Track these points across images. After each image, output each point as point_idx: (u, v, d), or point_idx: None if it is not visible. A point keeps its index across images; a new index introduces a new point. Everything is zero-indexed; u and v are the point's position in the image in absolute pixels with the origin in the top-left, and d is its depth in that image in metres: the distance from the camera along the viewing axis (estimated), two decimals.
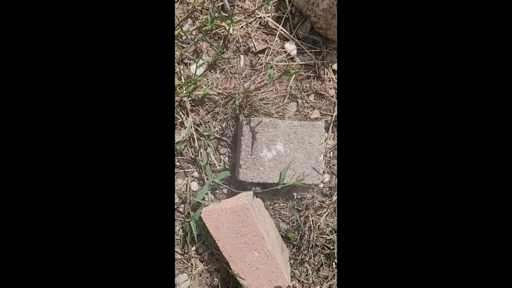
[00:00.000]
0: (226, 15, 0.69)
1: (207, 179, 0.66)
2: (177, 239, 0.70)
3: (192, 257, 0.70)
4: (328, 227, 0.72)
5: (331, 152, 0.74)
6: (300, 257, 0.73)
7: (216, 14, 0.66)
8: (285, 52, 0.72)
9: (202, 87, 0.67)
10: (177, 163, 0.69)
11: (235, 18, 0.70)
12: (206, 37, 0.69)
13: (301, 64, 0.73)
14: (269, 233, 0.63)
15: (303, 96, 0.73)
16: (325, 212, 0.72)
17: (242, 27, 0.71)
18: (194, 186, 0.69)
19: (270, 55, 0.72)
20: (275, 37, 0.72)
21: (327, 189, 0.72)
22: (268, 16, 0.71)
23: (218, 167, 0.69)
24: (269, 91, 0.71)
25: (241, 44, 0.71)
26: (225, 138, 0.69)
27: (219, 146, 0.70)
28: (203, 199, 0.68)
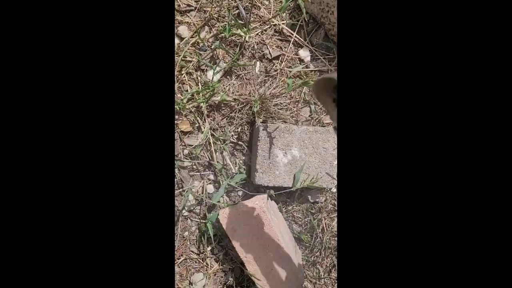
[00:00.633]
0: (242, 22, 0.71)
1: (223, 182, 0.68)
2: (193, 239, 0.72)
3: (207, 257, 0.72)
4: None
5: None
6: (312, 258, 0.74)
7: (233, 22, 0.68)
8: (299, 58, 0.74)
9: (219, 93, 0.70)
10: (194, 166, 0.71)
11: (251, 26, 0.72)
12: (223, 45, 0.71)
13: (314, 70, 0.74)
14: (283, 235, 0.65)
15: (317, 101, 0.74)
16: (337, 214, 0.74)
17: (257, 34, 0.73)
18: (210, 188, 0.71)
19: (285, 61, 0.73)
20: (289, 44, 0.74)
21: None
22: (283, 23, 0.73)
23: (234, 170, 0.71)
24: (284, 96, 0.72)
25: (256, 51, 0.73)
26: (241, 143, 0.72)
27: (234, 150, 0.72)
28: (219, 201, 0.70)
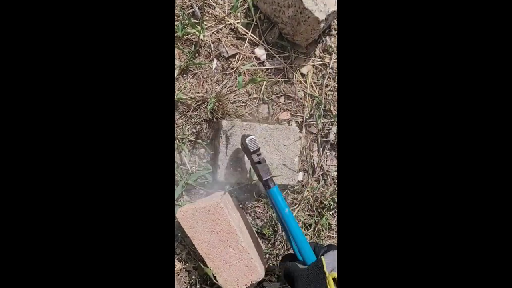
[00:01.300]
0: (197, 21, 0.71)
1: (180, 181, 0.68)
2: None
3: None
4: (299, 221, 0.76)
5: (304, 151, 0.78)
6: (275, 251, 0.76)
7: (187, 21, 0.69)
8: (255, 56, 0.76)
9: (176, 92, 0.69)
10: None
11: (205, 25, 0.72)
12: (178, 43, 0.71)
13: (270, 68, 0.76)
14: (243, 229, 0.66)
15: (274, 98, 0.76)
16: (297, 207, 0.76)
17: (213, 33, 0.74)
18: None
19: (241, 59, 0.75)
20: (245, 43, 0.75)
21: (299, 186, 0.77)
22: (237, 23, 0.74)
23: (193, 169, 0.72)
24: (242, 94, 0.74)
25: (213, 49, 0.73)
26: (200, 141, 0.72)
27: (193, 149, 0.73)
28: (177, 200, 0.70)
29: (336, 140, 0.78)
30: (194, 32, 0.71)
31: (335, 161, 0.80)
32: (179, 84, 0.71)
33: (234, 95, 0.73)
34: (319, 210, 0.77)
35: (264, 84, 0.74)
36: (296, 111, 0.78)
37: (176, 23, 0.71)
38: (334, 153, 0.80)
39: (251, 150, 0.60)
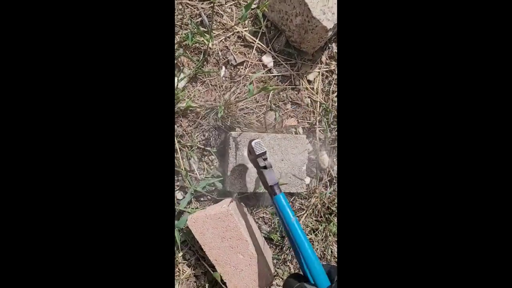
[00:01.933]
0: (205, 29, 0.72)
1: (189, 188, 0.69)
2: None
3: (179, 263, 0.73)
4: (307, 227, 0.77)
5: (313, 156, 0.79)
6: (282, 256, 0.77)
7: (196, 30, 0.69)
8: (263, 64, 0.77)
9: (185, 100, 0.70)
10: None
11: (214, 33, 0.73)
12: (187, 52, 0.72)
13: (277, 76, 0.77)
14: (252, 236, 0.67)
15: (281, 105, 0.77)
16: (304, 213, 0.77)
17: (221, 41, 0.75)
18: (180, 195, 0.72)
19: (249, 67, 0.76)
20: (252, 50, 0.76)
21: (307, 192, 0.77)
22: (245, 31, 0.75)
23: (201, 176, 0.72)
24: (249, 101, 0.75)
25: (221, 57, 0.74)
26: (208, 148, 0.73)
27: (202, 156, 0.73)
28: (186, 207, 0.71)
29: None
30: (203, 41, 0.71)
31: None
32: (188, 92, 0.72)
33: (242, 103, 0.74)
34: (326, 215, 0.78)
35: (272, 92, 0.75)
36: (303, 117, 0.79)
37: (185, 31, 0.72)
38: None
39: (257, 153, 0.58)
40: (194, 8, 0.74)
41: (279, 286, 0.77)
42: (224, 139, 0.72)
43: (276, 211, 0.60)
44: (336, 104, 0.79)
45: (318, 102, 0.79)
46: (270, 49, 0.77)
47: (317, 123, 0.79)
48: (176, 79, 0.70)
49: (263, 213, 0.76)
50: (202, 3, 0.74)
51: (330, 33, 0.69)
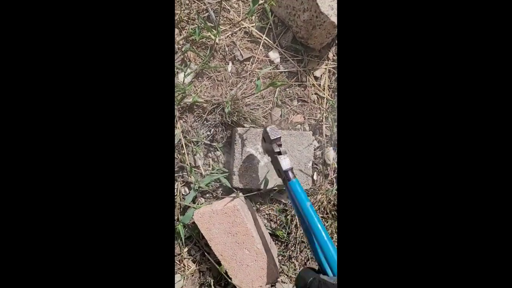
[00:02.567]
0: (212, 25, 0.72)
1: (194, 184, 0.69)
2: None
3: (184, 258, 0.73)
4: None
5: (319, 153, 0.78)
6: (288, 253, 0.77)
7: (202, 25, 0.69)
8: (269, 60, 0.76)
9: (191, 95, 0.70)
10: None
11: (221, 28, 0.73)
12: (193, 47, 0.72)
13: (284, 72, 0.77)
14: (258, 231, 0.67)
15: (287, 101, 0.77)
16: None
17: (227, 36, 0.74)
18: (185, 190, 0.72)
19: (255, 63, 0.75)
20: (259, 46, 0.76)
21: (312, 189, 0.77)
22: (252, 26, 0.75)
23: (206, 172, 0.72)
24: (256, 97, 0.74)
25: (227, 52, 0.74)
26: (214, 144, 0.73)
27: (208, 152, 0.73)
28: (193, 202, 0.70)
29: None
30: (209, 36, 0.71)
31: None
32: (195, 87, 0.72)
33: (249, 98, 0.73)
34: (332, 212, 0.77)
35: (278, 88, 0.75)
36: (309, 113, 0.78)
37: (192, 26, 0.72)
38: None
39: (272, 138, 0.57)
40: (201, 2, 0.73)
41: (284, 282, 0.77)
42: (230, 135, 0.72)
43: (289, 198, 0.58)
44: None
45: (325, 99, 0.79)
46: (277, 45, 0.76)
47: (324, 120, 0.79)
48: (182, 74, 0.70)
49: (269, 209, 0.76)
50: None
51: (337, 30, 0.68)
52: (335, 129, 0.79)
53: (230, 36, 0.74)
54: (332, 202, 0.77)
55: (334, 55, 0.80)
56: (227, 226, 0.63)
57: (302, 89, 0.78)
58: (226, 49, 0.74)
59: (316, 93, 0.79)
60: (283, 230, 0.76)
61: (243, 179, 0.68)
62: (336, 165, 0.79)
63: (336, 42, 0.80)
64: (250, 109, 0.74)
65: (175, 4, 0.72)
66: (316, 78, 0.79)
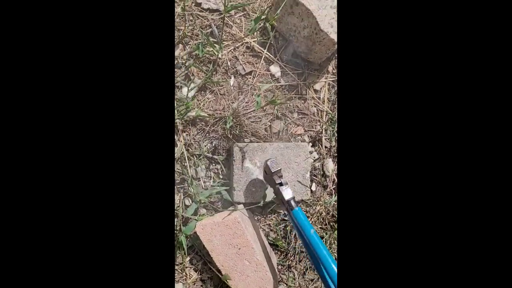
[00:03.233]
0: (215, 40, 0.74)
1: (195, 196, 0.71)
2: None
3: (186, 267, 0.75)
4: None
5: (318, 164, 0.80)
6: (287, 263, 0.79)
7: (206, 41, 0.71)
8: (270, 74, 0.78)
9: (194, 109, 0.72)
10: None
11: (223, 43, 0.75)
12: (197, 63, 0.74)
13: (284, 85, 0.79)
14: (258, 242, 0.69)
15: (287, 114, 0.79)
16: (309, 220, 0.78)
17: (230, 51, 0.76)
18: (188, 201, 0.74)
19: (257, 76, 0.77)
20: (261, 60, 0.78)
21: (311, 199, 0.79)
22: (253, 41, 0.77)
23: (206, 184, 0.74)
24: (257, 110, 0.76)
25: (230, 67, 0.76)
26: (216, 157, 0.74)
27: (210, 164, 0.75)
28: (194, 214, 0.72)
29: None
30: (212, 51, 0.73)
31: None
32: (198, 101, 0.74)
33: (250, 111, 0.75)
34: (331, 223, 0.79)
35: (276, 96, 0.77)
36: (309, 126, 0.80)
37: (196, 42, 0.74)
38: None
39: (273, 171, 0.61)
40: (205, 19, 0.75)
41: None
42: (229, 149, 0.74)
43: (293, 225, 0.61)
44: None
45: (324, 111, 0.81)
46: (278, 59, 0.78)
47: (323, 132, 0.80)
48: (186, 88, 0.72)
49: (269, 220, 0.77)
50: (212, 14, 0.76)
51: (337, 45, 0.70)
52: (334, 142, 0.80)
53: (232, 51, 0.76)
54: (331, 213, 0.79)
55: (333, 69, 0.82)
56: (228, 237, 0.65)
57: (302, 101, 0.80)
58: (229, 63, 0.76)
59: (316, 106, 0.81)
60: (283, 240, 0.78)
61: (243, 192, 0.70)
62: (335, 177, 0.80)
63: (336, 56, 0.81)
64: (251, 121, 0.76)
65: (180, 20, 0.74)
66: (316, 91, 0.81)
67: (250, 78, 0.77)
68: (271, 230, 0.78)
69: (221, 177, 0.75)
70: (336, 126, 0.80)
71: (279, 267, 0.79)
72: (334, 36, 0.67)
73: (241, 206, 0.71)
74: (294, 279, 0.79)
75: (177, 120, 0.71)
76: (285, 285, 0.79)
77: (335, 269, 0.53)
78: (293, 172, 0.73)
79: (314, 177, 0.80)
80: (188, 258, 0.74)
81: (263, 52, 0.77)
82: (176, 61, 0.73)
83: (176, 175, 0.73)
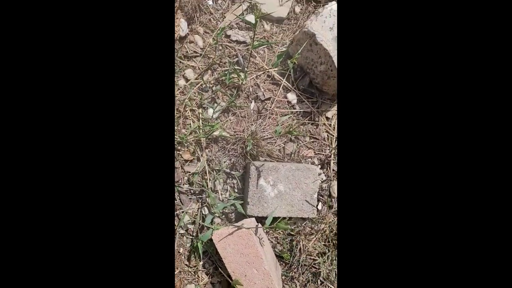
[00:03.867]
0: (240, 68, 0.83)
1: (212, 209, 0.79)
2: (187, 255, 0.82)
3: (199, 270, 0.82)
4: (315, 250, 0.85)
5: (325, 185, 0.87)
6: (290, 274, 0.85)
7: (232, 70, 0.80)
8: (287, 101, 0.87)
9: (218, 129, 0.81)
10: (192, 191, 0.82)
11: (247, 71, 0.84)
12: (223, 88, 0.83)
13: (299, 111, 0.87)
14: (266, 254, 0.76)
15: (300, 137, 0.87)
16: (313, 237, 0.85)
17: (252, 78, 0.85)
18: (206, 210, 0.82)
19: (275, 102, 0.86)
20: (279, 88, 0.86)
21: (317, 218, 0.86)
22: (274, 71, 0.86)
23: (222, 197, 0.82)
24: (272, 132, 0.84)
25: (251, 93, 0.85)
26: (233, 173, 0.83)
27: (228, 179, 0.83)
28: (210, 223, 0.80)
29: None
30: (237, 78, 0.82)
31: None
32: (221, 121, 0.83)
33: (267, 134, 0.84)
34: (334, 241, 0.86)
35: (293, 128, 0.85)
36: (319, 149, 0.88)
37: (223, 68, 0.83)
38: None
39: None
40: (232, 49, 0.85)
41: None
42: (246, 166, 0.82)
43: None
44: None
45: (334, 137, 0.88)
46: (295, 87, 0.87)
47: (332, 156, 0.88)
48: (211, 109, 0.81)
49: (276, 233, 0.85)
50: (239, 45, 0.85)
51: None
52: None
53: (254, 78, 0.85)
54: (334, 231, 0.86)
55: None
56: (241, 247, 0.72)
57: (314, 127, 0.88)
58: (250, 89, 0.85)
59: (327, 131, 0.88)
60: (288, 253, 0.85)
61: (256, 207, 0.78)
62: None
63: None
64: (267, 143, 0.84)
65: (210, 49, 0.83)
66: (327, 118, 0.89)
67: (268, 103, 0.86)
68: (278, 243, 0.85)
69: (236, 191, 0.83)
70: None
71: (283, 277, 0.85)
72: None
73: (253, 219, 0.78)
74: None
75: (202, 138, 0.80)
76: None
77: None
78: (302, 192, 0.80)
79: (321, 197, 0.87)
80: (201, 263, 0.82)
81: (282, 80, 0.86)
82: (204, 85, 0.82)
83: (196, 186, 0.82)
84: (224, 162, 0.82)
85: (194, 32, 0.83)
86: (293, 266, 0.85)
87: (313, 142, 0.88)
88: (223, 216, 0.83)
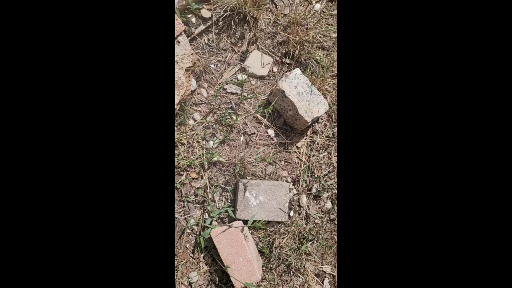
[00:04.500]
0: (233, 112, 1.15)
1: (211, 213, 1.08)
2: (192, 249, 1.10)
3: (200, 261, 1.10)
4: (287, 246, 1.13)
5: (296, 197, 1.17)
6: (269, 266, 1.13)
7: (227, 114, 1.12)
8: (268, 135, 1.18)
9: (216, 156, 1.12)
10: (197, 200, 1.12)
11: (239, 114, 1.16)
12: (220, 126, 1.15)
13: (276, 142, 1.18)
14: (250, 247, 1.05)
15: (277, 161, 1.17)
16: (286, 236, 1.14)
17: (242, 119, 1.17)
18: (206, 215, 1.11)
19: (258, 135, 1.17)
20: (262, 125, 1.18)
21: (288, 222, 1.15)
22: (258, 114, 1.18)
23: (219, 205, 1.12)
24: (256, 158, 1.15)
25: (241, 129, 1.17)
26: (227, 188, 1.13)
27: (223, 192, 1.13)
28: (210, 224, 1.09)
29: (316, 192, 1.18)
30: (231, 119, 1.14)
31: (316, 207, 1.18)
32: (219, 150, 1.14)
33: (252, 159, 1.15)
34: (301, 240, 1.14)
35: (271, 154, 1.16)
36: (291, 171, 1.18)
37: (221, 112, 1.15)
38: (315, 201, 1.18)
39: None
40: (227, 98, 1.17)
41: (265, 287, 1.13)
42: (236, 183, 1.13)
43: None
44: (314, 163, 1.19)
45: (303, 161, 1.19)
46: (273, 125, 1.19)
47: (301, 175, 1.18)
48: (211, 141, 1.12)
49: (258, 233, 1.14)
50: (232, 95, 1.18)
51: (310, 122, 1.10)
52: (308, 182, 1.18)
53: (243, 119, 1.17)
54: (302, 233, 1.15)
55: (311, 133, 1.21)
56: (231, 241, 1.01)
57: (288, 154, 1.19)
58: (240, 126, 1.17)
59: (297, 157, 1.19)
60: (267, 249, 1.13)
61: (243, 213, 1.07)
62: (306, 207, 1.17)
63: (313, 125, 1.21)
64: (252, 166, 1.14)
65: (212, 99, 1.16)
66: (297, 147, 1.20)
67: (254, 137, 1.17)
68: (260, 241, 1.14)
69: (229, 201, 1.12)
70: (309, 171, 1.18)
71: (264, 268, 1.13)
72: (307, 118, 1.07)
73: (240, 222, 1.08)
74: (274, 279, 1.13)
75: (205, 162, 1.11)
76: (266, 281, 1.13)
77: None
78: (276, 202, 1.10)
79: (292, 206, 1.16)
80: (202, 255, 1.10)
81: (263, 120, 1.18)
82: (207, 124, 1.14)
83: (200, 197, 1.11)
84: (220, 180, 1.13)
85: (201, 87, 1.16)
86: (271, 259, 1.13)
87: (287, 165, 1.19)
88: (219, 219, 1.12)
